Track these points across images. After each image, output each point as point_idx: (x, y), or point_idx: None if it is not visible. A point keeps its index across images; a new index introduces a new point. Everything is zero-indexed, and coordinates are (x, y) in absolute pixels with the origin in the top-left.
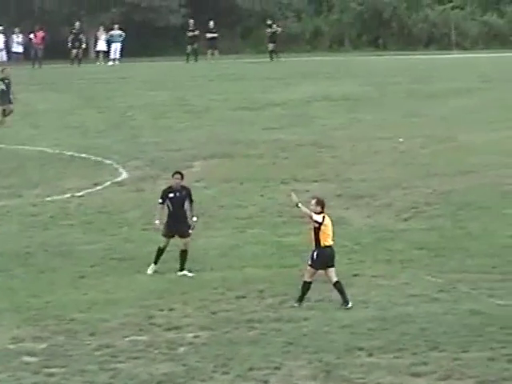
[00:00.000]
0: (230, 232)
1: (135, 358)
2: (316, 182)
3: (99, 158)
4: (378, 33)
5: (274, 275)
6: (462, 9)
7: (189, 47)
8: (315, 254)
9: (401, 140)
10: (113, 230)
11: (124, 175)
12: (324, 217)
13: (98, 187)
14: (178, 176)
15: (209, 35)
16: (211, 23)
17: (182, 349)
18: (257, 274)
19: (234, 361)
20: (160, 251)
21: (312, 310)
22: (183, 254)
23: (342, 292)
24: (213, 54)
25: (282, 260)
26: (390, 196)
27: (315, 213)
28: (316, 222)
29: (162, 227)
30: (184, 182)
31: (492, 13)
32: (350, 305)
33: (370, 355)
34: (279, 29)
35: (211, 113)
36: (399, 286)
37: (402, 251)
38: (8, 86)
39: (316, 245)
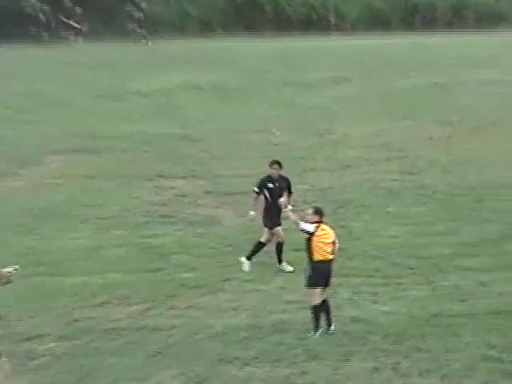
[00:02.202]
0: (92, 233)
1: None
2: (184, 178)
3: None
4: (251, 17)
5: (138, 280)
6: None
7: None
8: (308, 270)
9: (276, 133)
10: None
11: None
12: (318, 227)
13: None
14: (277, 166)
15: (68, 20)
16: (73, 8)
17: (42, 359)
18: (120, 278)
19: (99, 372)
20: (261, 245)
21: (181, 318)
22: (280, 246)
23: (327, 312)
24: (73, 40)
25: (147, 264)
26: None
27: (311, 223)
28: (304, 231)
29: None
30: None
31: None
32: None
33: (245, 365)
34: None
35: (69, 104)
36: (274, 292)
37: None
38: None
39: (309, 259)
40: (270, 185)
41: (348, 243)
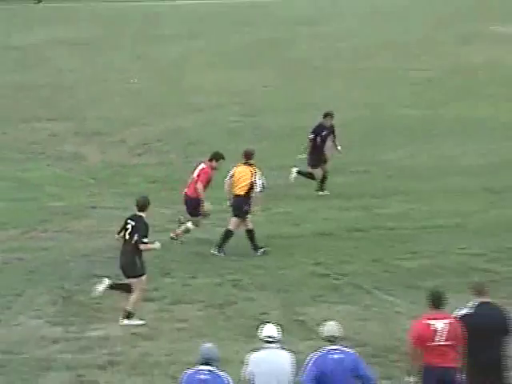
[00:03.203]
0: None
1: None
2: (54, 120)
3: None
4: None
5: (15, 208)
6: None
7: None
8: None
9: (134, 81)
10: None
11: None
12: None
13: None
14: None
15: None
16: None
17: None
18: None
19: None
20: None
21: (52, 241)
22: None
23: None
24: None
25: (23, 194)
26: (124, 133)
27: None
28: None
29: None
30: None
31: None
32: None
33: None
34: None
35: None
36: None
37: (135, 185)
38: None
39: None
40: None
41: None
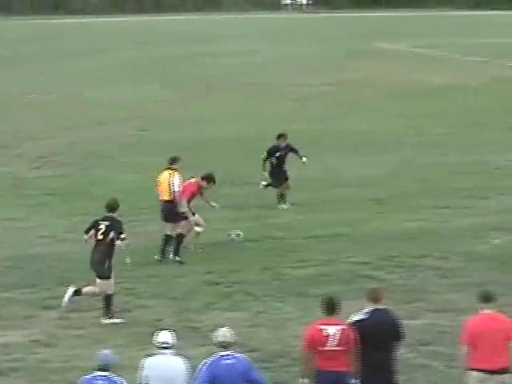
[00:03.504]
0: None
1: None
2: None
3: None
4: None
5: None
6: None
7: None
8: None
9: (33, 96)
10: None
11: None
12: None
13: None
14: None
15: None
16: None
17: None
18: None
19: None
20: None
21: None
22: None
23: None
24: None
25: None
26: (23, 147)
27: None
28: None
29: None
30: None
31: None
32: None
33: (6, 291)
34: None
35: None
36: (31, 228)
37: (33, 197)
38: None
39: None
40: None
41: (91, 188)
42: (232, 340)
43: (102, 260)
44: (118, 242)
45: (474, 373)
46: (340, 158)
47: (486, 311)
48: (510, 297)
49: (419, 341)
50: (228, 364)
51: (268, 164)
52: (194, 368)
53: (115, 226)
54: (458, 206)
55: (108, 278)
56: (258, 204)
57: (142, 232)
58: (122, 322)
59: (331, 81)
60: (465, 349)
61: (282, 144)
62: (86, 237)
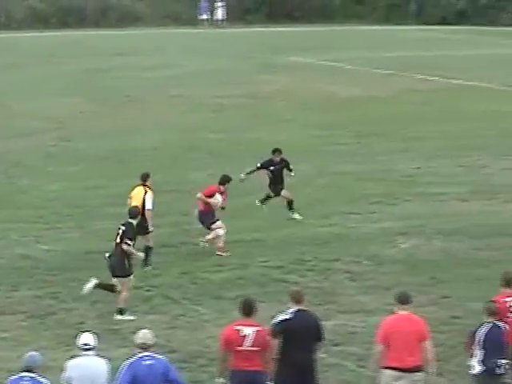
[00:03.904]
0: None
1: None
2: None
3: None
4: None
5: None
6: None
7: None
8: None
9: None
10: None
11: None
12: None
13: None
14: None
15: None
16: None
17: None
18: None
19: None
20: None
21: None
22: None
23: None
24: None
25: None
26: None
27: None
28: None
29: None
30: None
31: None
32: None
33: None
34: None
35: None
36: None
37: None
38: None
39: None
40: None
41: (16, 196)
42: (152, 342)
43: (121, 261)
44: (123, 246)
45: (388, 371)
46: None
47: (402, 312)
48: (416, 298)
49: (331, 341)
50: (148, 365)
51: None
52: (115, 369)
53: (128, 232)
54: (368, 212)
55: (125, 276)
56: (178, 211)
57: (65, 238)
58: (134, 319)
59: (247, 93)
60: (379, 347)
61: (277, 159)
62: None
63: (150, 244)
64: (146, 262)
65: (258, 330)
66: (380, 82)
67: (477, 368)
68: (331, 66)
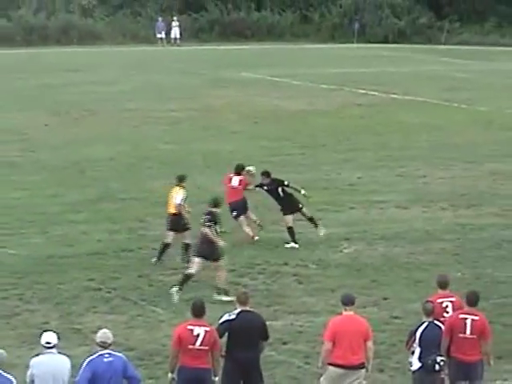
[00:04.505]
0: None
1: None
2: None
3: None
4: None
5: None
6: None
7: None
8: None
9: None
10: None
11: None
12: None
13: None
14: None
15: None
16: None
17: None
18: None
19: None
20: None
21: None
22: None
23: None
24: None
25: None
26: None
27: None
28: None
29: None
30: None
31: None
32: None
33: None
34: None
35: None
36: None
37: None
38: None
39: None
40: (265, 188)
41: None
42: (111, 340)
43: (213, 247)
44: (206, 230)
45: (332, 368)
46: (207, 176)
47: (347, 313)
48: (358, 300)
49: (279, 340)
50: (107, 362)
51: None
52: (77, 365)
53: (212, 219)
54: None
55: (218, 259)
56: (135, 217)
57: (28, 243)
58: (231, 300)
59: (198, 107)
60: (328, 345)
61: (265, 181)
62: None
63: (188, 241)
64: (184, 258)
65: (207, 330)
66: (324, 97)
67: (415, 364)
68: (279, 82)
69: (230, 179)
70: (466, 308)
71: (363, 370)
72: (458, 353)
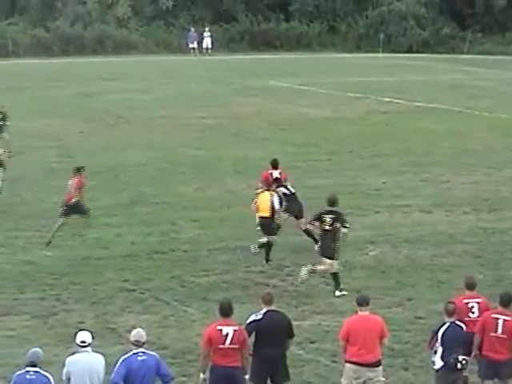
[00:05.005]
0: None
1: None
2: None
3: None
4: None
5: None
6: (16, 25)
7: None
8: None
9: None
10: None
11: None
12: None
13: None
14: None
15: None
16: None
17: None
18: None
19: None
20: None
21: None
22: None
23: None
24: None
25: None
26: None
27: None
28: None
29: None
30: None
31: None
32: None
33: None
34: None
35: None
36: None
37: None
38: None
39: None
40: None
41: (21, 207)
42: (144, 339)
43: (330, 244)
44: (343, 230)
45: (348, 365)
46: (236, 181)
47: (362, 313)
48: (383, 300)
49: (307, 339)
50: (141, 360)
51: None
52: (111, 364)
53: (339, 218)
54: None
55: (334, 258)
56: (167, 221)
57: (65, 245)
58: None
59: (228, 114)
60: (340, 343)
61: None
62: (315, 224)
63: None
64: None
65: (236, 329)
66: (349, 104)
67: (438, 363)
68: (306, 90)
69: (271, 174)
70: (500, 308)
71: (379, 368)
72: (489, 351)
